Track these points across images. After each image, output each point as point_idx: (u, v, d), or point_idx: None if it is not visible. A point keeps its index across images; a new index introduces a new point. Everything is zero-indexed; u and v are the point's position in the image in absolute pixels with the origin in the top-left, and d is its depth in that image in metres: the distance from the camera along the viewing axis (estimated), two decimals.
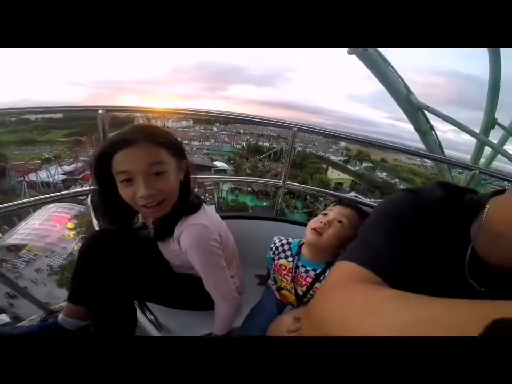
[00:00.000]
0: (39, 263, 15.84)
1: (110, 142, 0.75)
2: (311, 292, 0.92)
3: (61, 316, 0.94)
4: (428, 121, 2.62)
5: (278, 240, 1.07)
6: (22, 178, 24.10)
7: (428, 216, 0.46)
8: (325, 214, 0.95)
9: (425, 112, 2.57)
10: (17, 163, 26.60)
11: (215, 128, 45.22)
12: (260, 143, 45.82)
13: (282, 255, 1.02)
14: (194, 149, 41.89)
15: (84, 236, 17.79)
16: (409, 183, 37.53)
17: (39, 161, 27.31)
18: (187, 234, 0.81)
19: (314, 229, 0.91)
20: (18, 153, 31.58)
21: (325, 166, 38.64)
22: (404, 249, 0.45)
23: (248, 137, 48.65)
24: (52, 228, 17.77)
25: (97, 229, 0.97)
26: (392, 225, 0.47)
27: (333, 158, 46.24)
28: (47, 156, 30.09)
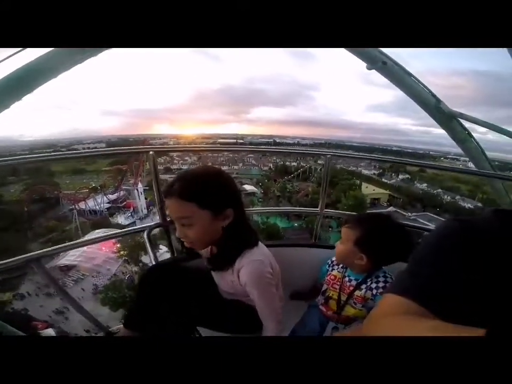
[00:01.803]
0: (85, 283, 17.14)
1: (163, 189, 0.92)
2: (351, 300, 1.07)
3: None
4: (465, 129, 2.42)
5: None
6: (73, 206, 26.59)
7: (473, 249, 0.45)
8: None
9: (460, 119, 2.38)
10: (68, 192, 29.46)
11: (242, 152, 45.93)
12: (287, 163, 45.72)
13: (335, 267, 1.19)
14: None
15: (126, 258, 19.00)
16: (454, 192, 34.56)
17: (87, 190, 30.02)
18: (247, 269, 0.91)
19: None
20: (70, 183, 35.00)
21: (358, 182, 37.06)
22: (449, 281, 0.44)
23: (274, 158, 48.99)
24: (99, 251, 19.09)
25: (152, 260, 1.11)
26: (435, 257, 0.48)
27: (365, 172, 44.56)
28: (94, 185, 32.99)
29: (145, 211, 29.44)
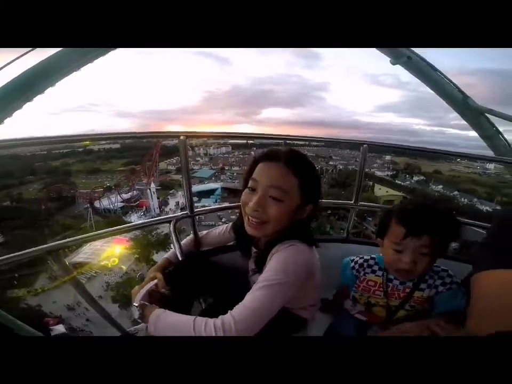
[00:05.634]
0: (98, 280, 17.54)
1: (264, 152, 0.81)
2: (410, 303, 0.91)
3: None
4: (493, 125, 2.35)
5: (359, 258, 1.01)
6: (88, 205, 27.34)
7: None
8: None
9: (488, 115, 2.32)
10: (84, 191, 30.33)
11: (252, 153, 45.10)
12: None
13: (368, 270, 0.97)
14: (235, 174, 43.31)
15: (138, 256, 19.37)
16: (471, 194, 33.41)
17: (102, 189, 30.78)
18: (282, 251, 0.76)
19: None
20: (86, 182, 36.07)
21: (370, 183, 36.32)
22: None
23: None
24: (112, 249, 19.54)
25: (177, 251, 1.10)
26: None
27: (378, 173, 43.72)
28: (108, 184, 33.80)
29: (157, 210, 29.91)
